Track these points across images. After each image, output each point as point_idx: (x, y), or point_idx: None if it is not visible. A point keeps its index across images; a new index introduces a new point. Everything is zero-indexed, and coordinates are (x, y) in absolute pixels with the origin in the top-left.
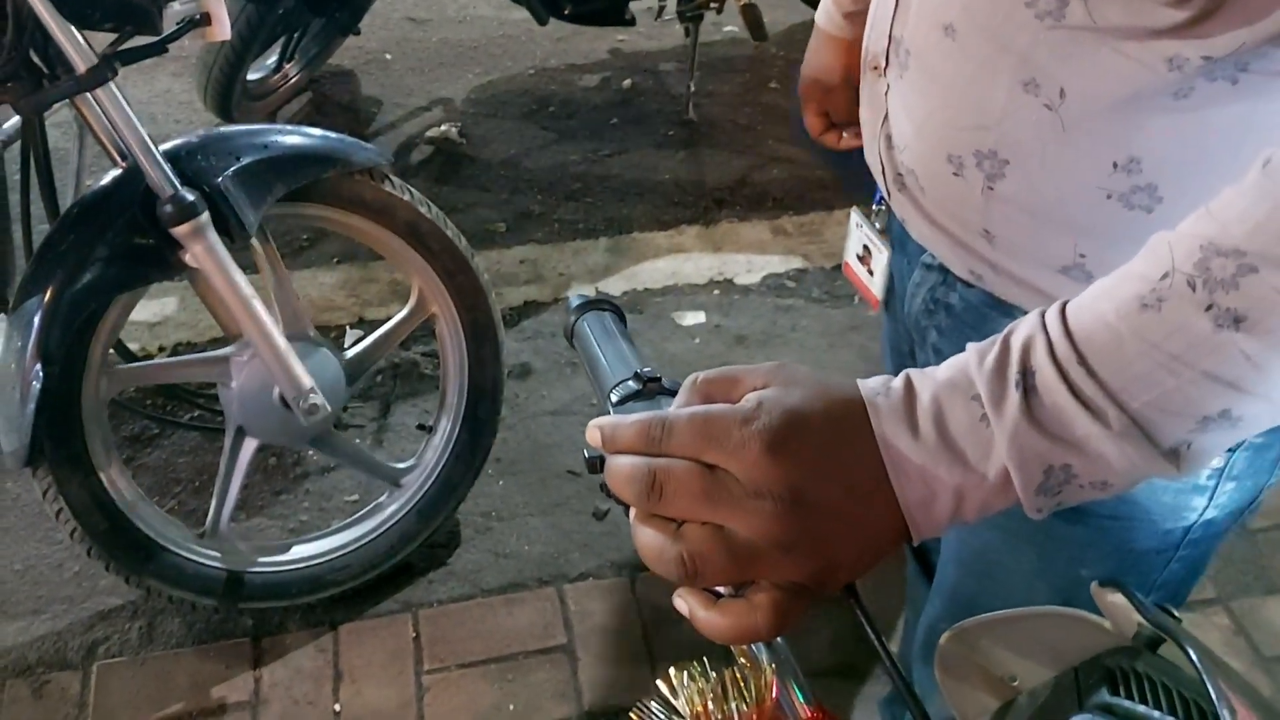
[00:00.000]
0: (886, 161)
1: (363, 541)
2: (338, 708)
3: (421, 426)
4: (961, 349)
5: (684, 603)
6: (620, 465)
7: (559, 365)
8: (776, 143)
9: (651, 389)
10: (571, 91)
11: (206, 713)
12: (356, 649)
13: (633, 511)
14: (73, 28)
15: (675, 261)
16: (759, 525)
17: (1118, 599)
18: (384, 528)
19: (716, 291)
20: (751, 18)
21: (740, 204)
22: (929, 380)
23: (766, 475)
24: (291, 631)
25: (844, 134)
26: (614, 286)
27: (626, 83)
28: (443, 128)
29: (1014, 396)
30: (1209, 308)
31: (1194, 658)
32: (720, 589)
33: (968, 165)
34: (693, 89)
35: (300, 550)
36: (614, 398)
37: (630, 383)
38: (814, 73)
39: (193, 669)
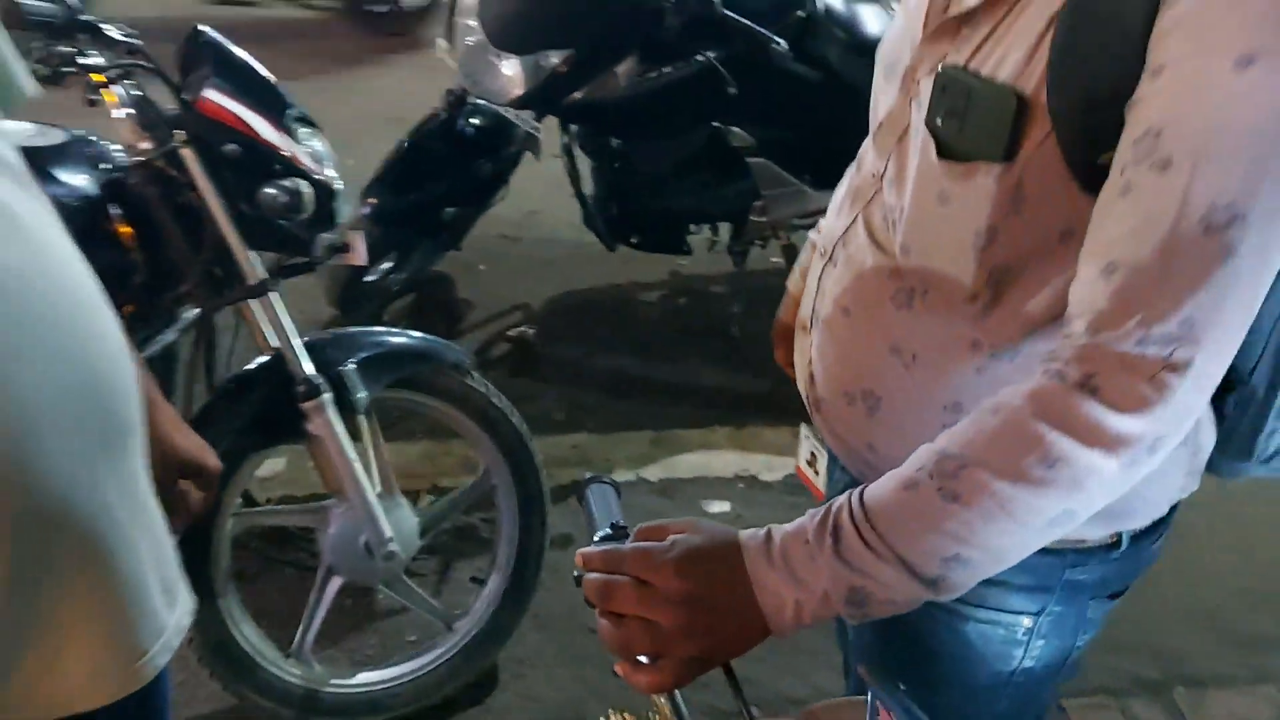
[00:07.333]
0: (809, 392)
1: (417, 674)
2: None
3: (474, 579)
4: None
5: (621, 668)
6: (591, 579)
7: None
8: None
9: (619, 534)
10: (634, 305)
11: None
12: None
13: (597, 610)
14: (248, 249)
15: (706, 456)
16: (670, 619)
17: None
18: (435, 664)
19: (741, 485)
20: (790, 254)
21: (770, 411)
22: (780, 531)
23: (676, 588)
24: None
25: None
26: (651, 474)
27: (681, 300)
28: (521, 328)
29: (828, 542)
30: (940, 489)
31: None
32: (644, 659)
33: (856, 400)
34: (737, 310)
35: (364, 677)
36: (596, 538)
37: (608, 529)
38: (783, 318)
39: None
